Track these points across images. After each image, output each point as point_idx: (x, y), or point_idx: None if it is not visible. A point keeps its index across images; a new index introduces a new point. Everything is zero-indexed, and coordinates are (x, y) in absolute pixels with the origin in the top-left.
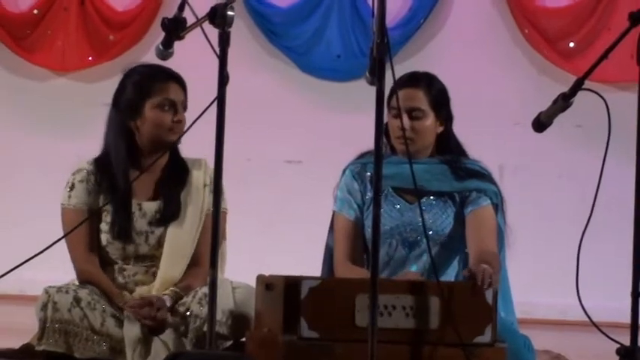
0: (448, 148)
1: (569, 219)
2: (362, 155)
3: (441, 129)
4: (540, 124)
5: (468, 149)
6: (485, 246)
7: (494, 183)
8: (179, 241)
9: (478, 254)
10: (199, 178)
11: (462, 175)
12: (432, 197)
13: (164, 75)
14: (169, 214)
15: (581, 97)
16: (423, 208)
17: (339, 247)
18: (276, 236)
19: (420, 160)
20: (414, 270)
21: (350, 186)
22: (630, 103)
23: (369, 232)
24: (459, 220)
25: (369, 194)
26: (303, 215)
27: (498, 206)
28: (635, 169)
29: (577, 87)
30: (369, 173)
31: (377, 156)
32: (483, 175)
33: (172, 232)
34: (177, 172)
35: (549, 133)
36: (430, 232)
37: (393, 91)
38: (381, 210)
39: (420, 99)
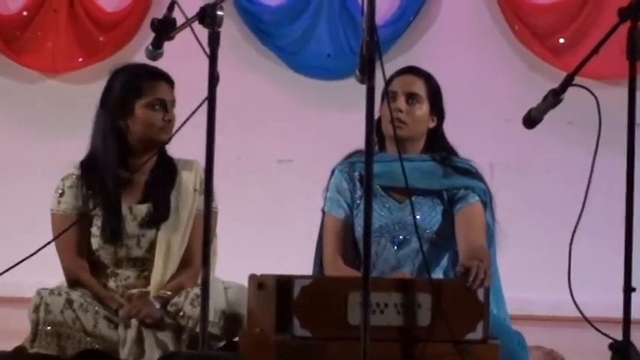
0: (438, 146)
1: (560, 215)
2: (350, 155)
3: (433, 124)
4: (531, 120)
5: (458, 146)
6: (475, 241)
7: (482, 180)
8: (171, 245)
9: (468, 250)
10: (189, 180)
11: (450, 173)
12: (420, 196)
13: (152, 74)
14: (159, 215)
15: (572, 93)
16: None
17: (329, 247)
18: (267, 235)
19: (410, 156)
20: (404, 271)
21: (339, 185)
22: (621, 98)
23: (359, 230)
24: (448, 217)
25: (359, 193)
26: (295, 214)
27: (487, 203)
28: (625, 164)
29: (567, 83)
30: (357, 172)
31: (368, 153)
32: (471, 173)
33: (164, 235)
34: (166, 172)
35: (540, 130)
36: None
37: (392, 78)
38: None
39: (419, 86)
